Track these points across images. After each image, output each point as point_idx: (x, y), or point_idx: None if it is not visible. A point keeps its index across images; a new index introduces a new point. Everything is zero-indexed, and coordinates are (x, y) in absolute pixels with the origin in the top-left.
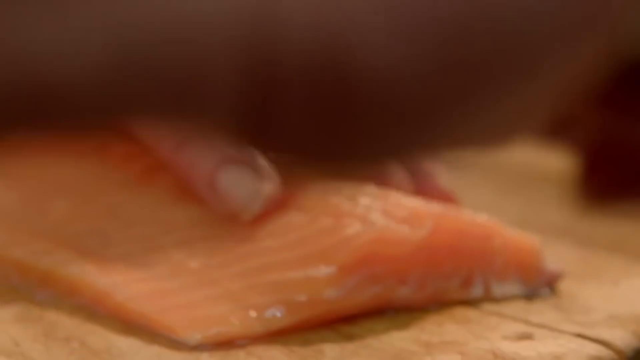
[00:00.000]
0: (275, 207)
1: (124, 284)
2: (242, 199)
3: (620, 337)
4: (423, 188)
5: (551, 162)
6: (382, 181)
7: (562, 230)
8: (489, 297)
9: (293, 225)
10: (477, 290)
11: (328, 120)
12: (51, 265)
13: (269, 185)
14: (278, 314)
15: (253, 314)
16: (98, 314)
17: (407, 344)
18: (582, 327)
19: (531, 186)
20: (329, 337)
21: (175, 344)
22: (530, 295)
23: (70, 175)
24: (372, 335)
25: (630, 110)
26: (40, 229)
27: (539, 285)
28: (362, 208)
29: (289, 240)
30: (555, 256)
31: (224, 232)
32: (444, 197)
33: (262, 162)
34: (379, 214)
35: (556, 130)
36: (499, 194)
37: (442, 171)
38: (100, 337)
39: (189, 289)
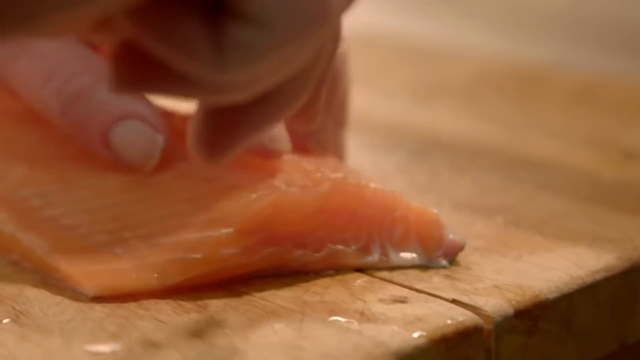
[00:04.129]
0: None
1: (47, 241)
2: (139, 154)
3: (493, 304)
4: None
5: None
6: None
7: (496, 210)
8: (385, 265)
9: (202, 193)
10: (373, 257)
11: None
12: None
13: (163, 136)
14: (173, 271)
15: (151, 270)
16: (24, 269)
17: (286, 303)
18: (460, 294)
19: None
20: (220, 294)
21: (77, 295)
22: (427, 265)
23: (28, 144)
24: (260, 293)
25: None
26: None
27: (437, 256)
28: (262, 176)
29: (196, 206)
30: (475, 233)
31: (146, 197)
32: (324, 154)
33: (155, 113)
34: (280, 179)
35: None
36: (452, 173)
37: (332, 128)
38: (16, 287)
39: (102, 246)
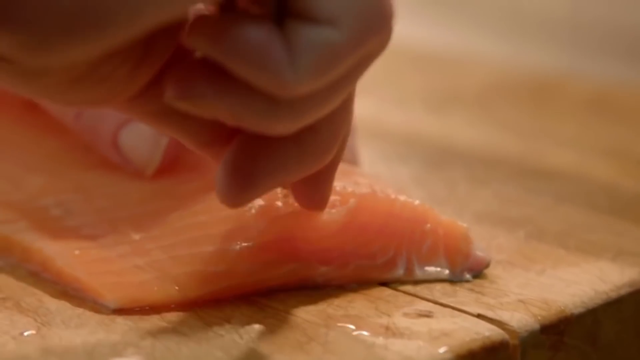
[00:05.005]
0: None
1: (67, 251)
2: (143, 155)
3: (518, 319)
4: None
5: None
6: None
7: (517, 222)
8: (410, 279)
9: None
10: (398, 271)
11: None
12: (10, 232)
13: (166, 138)
14: (195, 284)
15: (172, 283)
16: (44, 279)
17: (310, 316)
18: (485, 309)
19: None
20: (242, 307)
21: (99, 307)
22: (451, 279)
23: (46, 153)
24: (283, 307)
25: None
26: (14, 201)
27: (463, 270)
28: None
29: (218, 217)
30: (497, 246)
31: (169, 208)
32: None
33: None
34: None
35: None
36: (469, 184)
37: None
38: (36, 299)
39: (123, 257)
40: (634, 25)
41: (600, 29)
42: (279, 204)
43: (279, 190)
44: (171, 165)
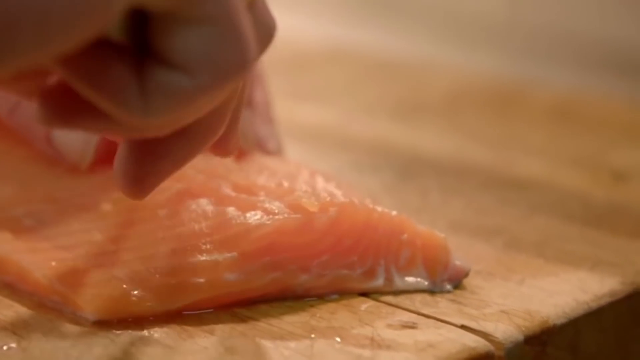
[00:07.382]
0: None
1: (44, 263)
2: (75, 150)
3: (503, 330)
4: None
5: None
6: None
7: (493, 231)
8: (389, 289)
9: (204, 215)
10: (378, 282)
11: None
12: None
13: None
14: (176, 295)
15: (153, 294)
16: (20, 291)
17: (293, 328)
18: (468, 320)
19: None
20: (224, 318)
21: (79, 319)
22: (433, 290)
23: (14, 162)
24: (265, 318)
25: None
26: None
27: (442, 280)
28: (266, 198)
29: (197, 228)
30: (475, 255)
31: (142, 218)
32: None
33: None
34: (286, 201)
35: None
36: (442, 193)
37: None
38: (13, 311)
39: (101, 269)
40: (582, 32)
41: (567, 39)
42: (258, 213)
43: None
44: None
